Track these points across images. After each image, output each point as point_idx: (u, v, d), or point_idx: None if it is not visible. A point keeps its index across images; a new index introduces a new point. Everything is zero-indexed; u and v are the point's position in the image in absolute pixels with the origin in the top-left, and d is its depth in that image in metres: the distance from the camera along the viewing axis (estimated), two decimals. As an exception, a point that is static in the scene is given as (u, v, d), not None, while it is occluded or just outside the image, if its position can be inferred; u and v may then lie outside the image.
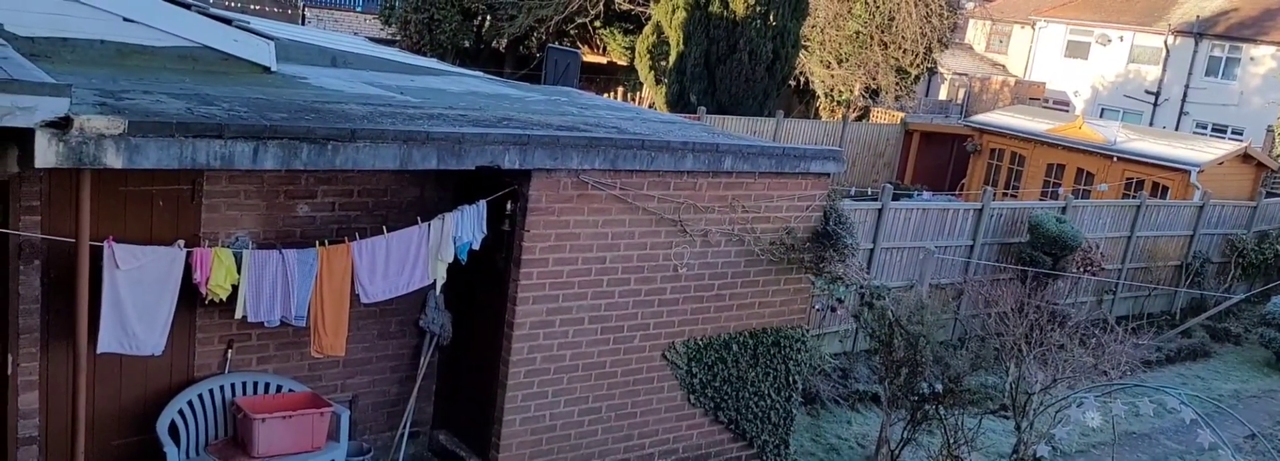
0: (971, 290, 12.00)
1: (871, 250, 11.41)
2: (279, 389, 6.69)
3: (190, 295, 5.99)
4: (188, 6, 7.56)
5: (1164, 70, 32.78)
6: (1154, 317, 15.01)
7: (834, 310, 8.74)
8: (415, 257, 6.53)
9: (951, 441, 7.33)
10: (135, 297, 5.66)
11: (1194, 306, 15.43)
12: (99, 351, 5.68)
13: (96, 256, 5.49)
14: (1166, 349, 13.75)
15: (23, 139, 4.90)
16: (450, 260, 6.65)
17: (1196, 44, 31.89)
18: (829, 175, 8.08)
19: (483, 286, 7.18)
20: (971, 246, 12.56)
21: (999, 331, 8.64)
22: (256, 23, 10.05)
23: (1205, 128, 31.23)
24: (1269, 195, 17.57)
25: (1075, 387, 7.32)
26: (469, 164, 6.19)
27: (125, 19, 7.23)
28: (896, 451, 7.80)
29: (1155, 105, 32.83)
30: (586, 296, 7.08)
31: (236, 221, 6.41)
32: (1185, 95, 32.16)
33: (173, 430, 6.27)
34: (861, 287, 7.81)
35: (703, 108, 19.15)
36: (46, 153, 4.81)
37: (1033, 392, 7.43)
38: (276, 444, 6.27)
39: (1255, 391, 13.13)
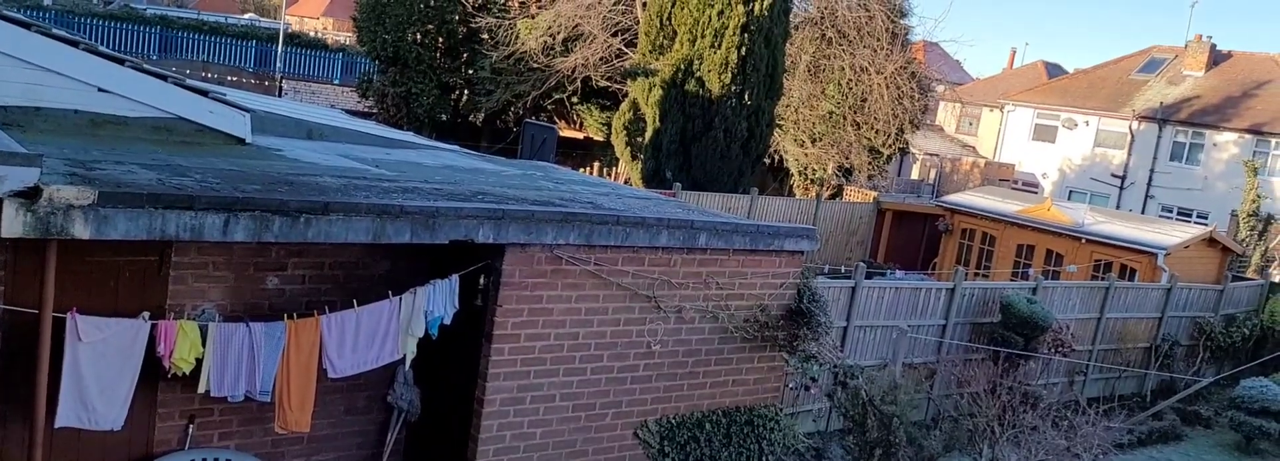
0: (944, 370, 11.97)
1: (845, 328, 11.40)
2: (240, 466, 6.51)
3: (153, 367, 5.85)
4: (164, 77, 7.58)
5: (1129, 154, 33.51)
6: (1125, 399, 15.01)
7: (808, 389, 8.68)
8: (385, 332, 6.44)
9: (926, 525, 7.21)
10: (97, 371, 5.52)
11: (1164, 388, 15.45)
12: (57, 425, 5.51)
13: (59, 328, 5.38)
14: (1138, 431, 13.71)
15: (-10, 207, 4.84)
16: (421, 335, 6.56)
17: (1160, 129, 32.71)
18: (803, 253, 8.11)
19: (453, 362, 7.08)
20: (944, 326, 12.57)
21: (972, 412, 8.59)
22: (233, 94, 10.12)
23: (1171, 211, 31.81)
24: (1235, 279, 17.79)
25: (1049, 471, 7.26)
26: (443, 238, 6.16)
27: (100, 89, 7.23)
28: (870, 535, 7.67)
29: (1121, 188, 33.47)
30: (558, 373, 7.00)
31: (204, 293, 6.32)
32: (1151, 179, 32.83)
33: (126, 508, 6.06)
34: (835, 367, 7.77)
35: (678, 184, 19.29)
36: (13, 222, 4.75)
37: (1007, 476, 7.36)
38: (234, 524, 6.07)
39: (1227, 475, 13.09)
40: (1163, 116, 32.64)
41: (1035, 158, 35.56)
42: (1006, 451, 7.58)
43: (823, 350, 7.75)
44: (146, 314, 5.76)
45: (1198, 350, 16.03)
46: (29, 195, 4.76)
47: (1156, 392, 15.41)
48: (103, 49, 7.45)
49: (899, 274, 19.72)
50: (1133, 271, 17.84)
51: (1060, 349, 13.22)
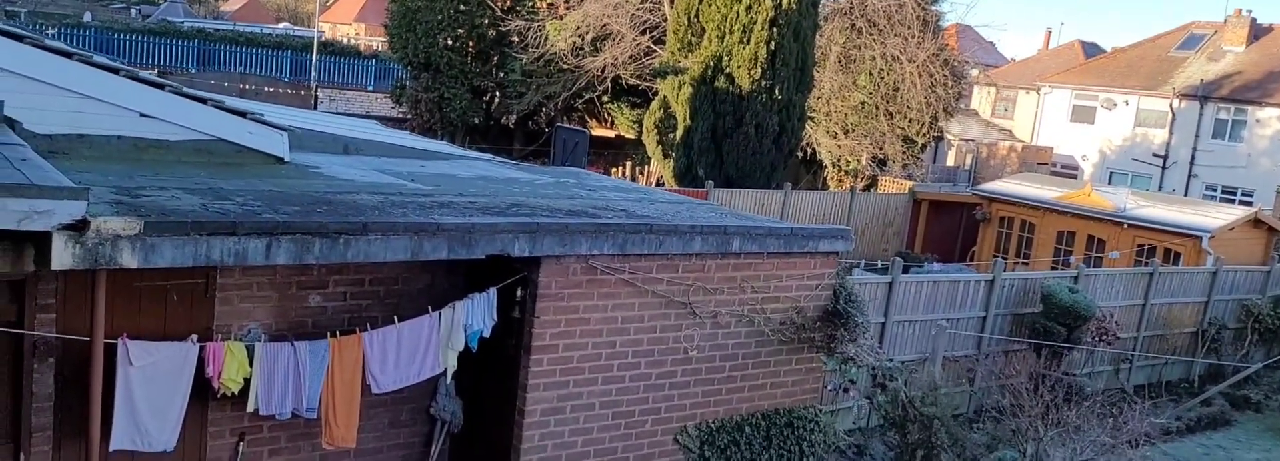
0: (985, 363, 11.90)
1: (883, 324, 11.37)
2: (290, 482, 6.66)
3: (202, 388, 6.01)
4: (204, 100, 7.74)
5: (1171, 133, 32.98)
6: (1172, 386, 14.83)
7: (846, 391, 8.69)
8: (426, 346, 6.56)
9: (971, 523, 7.22)
10: (148, 394, 5.69)
11: (1212, 374, 15.24)
12: (112, 448, 5.69)
13: (110, 353, 5.54)
14: (1186, 418, 13.55)
15: (39, 239, 4.99)
16: (461, 348, 6.68)
17: (1202, 107, 32.15)
18: (838, 253, 8.12)
19: (493, 373, 7.19)
20: (984, 318, 12.49)
21: (1015, 409, 8.55)
22: (270, 110, 10.29)
23: (1214, 190, 31.28)
24: (1282, 259, 17.48)
25: (1094, 466, 7.23)
26: (479, 253, 6.26)
27: (142, 114, 7.40)
28: (915, 534, 7.68)
29: (1163, 168, 32.95)
30: (597, 381, 7.08)
31: (249, 314, 6.47)
32: (1193, 158, 32.29)
33: (183, 525, 6.23)
34: (874, 368, 7.78)
35: (710, 182, 19.31)
36: (63, 255, 4.89)
37: (1052, 472, 7.33)
38: (287, 538, 6.22)
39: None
40: (1204, 93, 32.08)
41: (1074, 140, 35.09)
42: (1052, 448, 7.55)
43: (861, 351, 7.75)
44: (195, 336, 5.92)
45: (1246, 333, 15.79)
46: (77, 227, 4.89)
47: (1204, 378, 15.21)
48: (143, 74, 7.62)
49: (936, 265, 19.60)
50: (1177, 255, 17.61)
51: (1104, 337, 13.08)
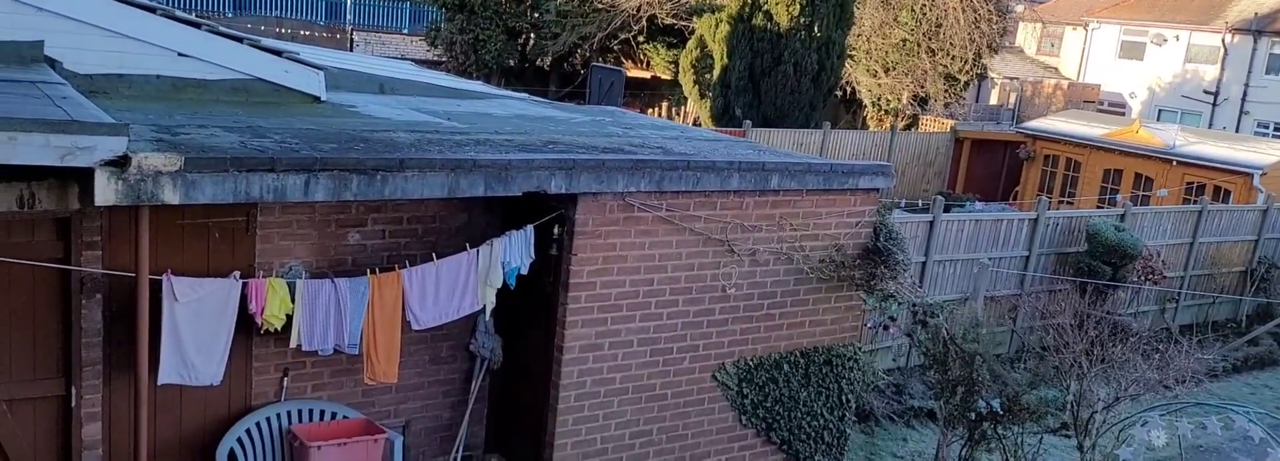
0: (1028, 302, 11.79)
1: (923, 263, 11.28)
2: (334, 416, 6.77)
3: (246, 325, 6.09)
4: (240, 40, 7.71)
5: (1222, 69, 32.07)
6: (1219, 326, 14.64)
7: (886, 328, 8.63)
8: (465, 283, 6.58)
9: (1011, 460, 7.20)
10: (194, 329, 5.77)
11: (1260, 313, 15.02)
12: (160, 382, 5.80)
13: (155, 289, 5.61)
14: (1233, 358, 13.41)
15: (83, 177, 5.03)
16: (499, 285, 6.69)
17: (1255, 41, 31.16)
18: (878, 190, 8.00)
19: (532, 310, 7.22)
20: (1027, 257, 12.35)
21: (1058, 345, 8.48)
22: (306, 51, 10.25)
23: (1267, 127, 30.49)
24: (1336, 197, 17.05)
25: (1139, 404, 7.16)
26: (516, 190, 6.23)
27: (180, 54, 7.38)
28: (955, 471, 7.68)
29: (1214, 105, 32.12)
30: (635, 319, 7.08)
31: (290, 251, 6.51)
32: (1245, 94, 31.42)
33: (232, 458, 6.37)
34: (914, 305, 7.71)
35: (748, 121, 19.10)
36: (106, 190, 4.92)
37: (1095, 410, 7.27)
38: (332, 470, 6.35)
39: (1328, 400, 12.75)
40: (1258, 28, 31.06)
41: (1122, 77, 34.24)
42: (1095, 386, 7.48)
43: (901, 288, 7.68)
44: (237, 273, 5.98)
45: (1295, 273, 15.50)
46: (119, 164, 4.91)
47: (1252, 318, 14.99)
48: (180, 14, 7.59)
49: (979, 205, 19.36)
50: (1227, 193, 17.25)
51: (1150, 276, 12.90)
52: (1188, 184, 17.84)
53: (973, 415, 7.40)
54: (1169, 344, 8.93)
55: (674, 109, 25.04)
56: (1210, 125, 30.77)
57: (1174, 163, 18.04)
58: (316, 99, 7.99)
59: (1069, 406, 7.09)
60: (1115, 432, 6.65)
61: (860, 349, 8.41)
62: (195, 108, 7.03)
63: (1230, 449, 10.77)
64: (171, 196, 5.08)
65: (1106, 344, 7.80)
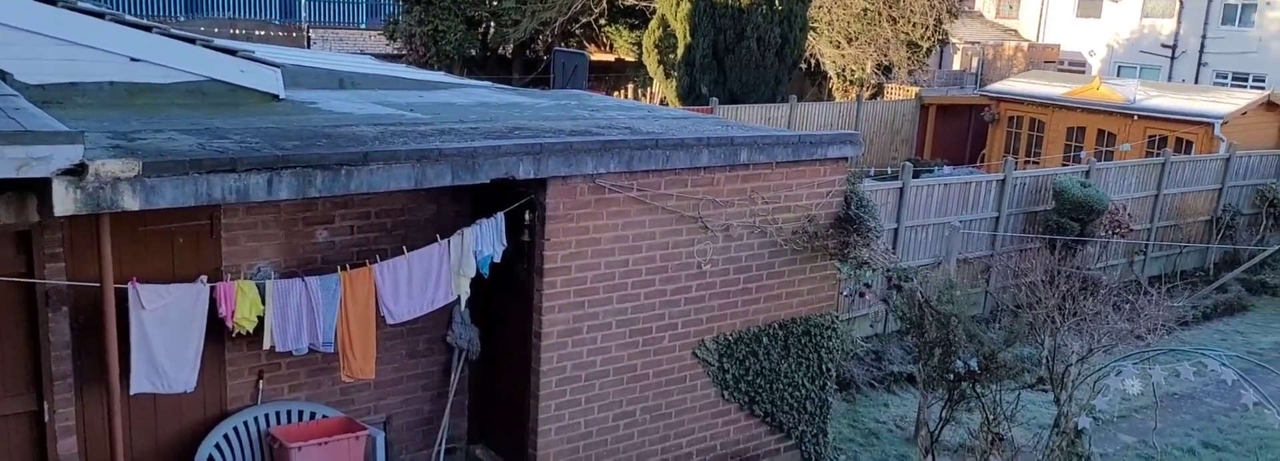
0: (1000, 262, 11.91)
1: (896, 230, 11.35)
2: (313, 415, 6.74)
3: (217, 329, 6.04)
4: (192, 40, 7.61)
5: (1179, 22, 32.35)
6: (1187, 275, 14.85)
7: (862, 295, 8.69)
8: (438, 275, 6.56)
9: (991, 418, 7.28)
10: (163, 336, 5.72)
11: (1227, 261, 15.24)
12: (132, 392, 5.75)
13: (122, 298, 5.56)
14: (1202, 306, 13.61)
15: (40, 187, 4.96)
16: (473, 274, 6.67)
17: (1210, -7, 31.44)
18: (847, 159, 8.03)
19: (507, 298, 7.21)
20: (997, 218, 12.46)
21: (1031, 303, 8.57)
22: (262, 49, 10.13)
23: (1225, 77, 30.81)
24: (1296, 143, 17.29)
25: (1112, 355, 7.25)
26: (484, 177, 6.20)
27: (132, 59, 7.27)
28: (936, 432, 7.76)
29: (1172, 58, 32.42)
30: (612, 301, 7.09)
31: (257, 252, 6.46)
32: (1202, 46, 31.72)
33: (212, 463, 6.34)
34: (888, 270, 7.76)
35: (715, 98, 19.09)
36: (64, 200, 4.85)
37: (1070, 363, 7.36)
38: (316, 470, 6.33)
39: (1298, 343, 12.98)
40: (1212, -21, 31.32)
41: (1081, 36, 34.45)
42: (1069, 340, 7.58)
43: (874, 255, 7.72)
44: (204, 277, 5.92)
45: (1261, 218, 15.73)
46: (76, 172, 4.84)
47: (1220, 265, 15.21)
48: (130, 18, 7.49)
49: (947, 169, 19.48)
50: (1189, 144, 17.44)
51: (1118, 230, 13.05)
52: (1150, 137, 18.02)
53: (951, 376, 7.47)
54: (1139, 295, 9.05)
55: (639, 90, 24.97)
56: (1169, 78, 31.06)
57: (1135, 117, 18.20)
58: (275, 97, 7.91)
59: (1044, 361, 7.18)
60: (1090, 384, 6.74)
61: (837, 318, 8.46)
62: (151, 112, 6.94)
63: (1203, 394, 10.96)
64: (131, 202, 5.02)
65: (1078, 298, 7.89)
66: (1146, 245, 14.20)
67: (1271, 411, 7.00)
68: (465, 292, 6.72)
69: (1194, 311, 13.27)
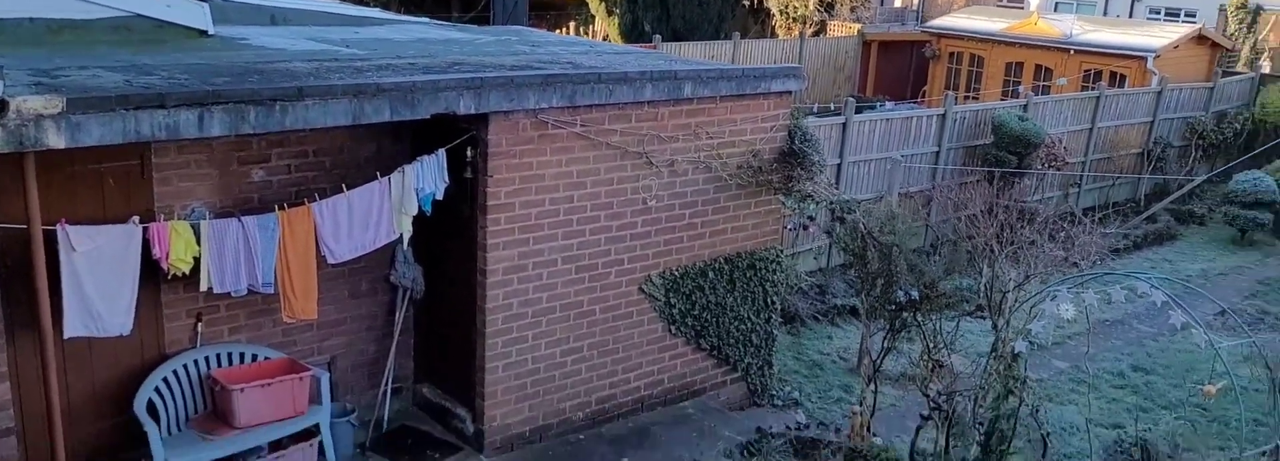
0: (940, 195, 12.08)
1: (839, 165, 11.43)
2: (255, 357, 6.65)
3: (152, 271, 5.90)
4: (114, -26, 7.30)
5: (1114, -43, 32.52)
6: (1120, 206, 15.22)
7: (806, 228, 8.77)
8: (378, 213, 6.46)
9: (931, 346, 7.44)
10: (96, 279, 5.57)
11: (1158, 191, 15.64)
12: (66, 336, 5.61)
13: (51, 240, 5.39)
14: (1133, 235, 13.98)
15: (-42, 128, 4.76)
16: (415, 212, 6.59)
17: (1145, -74, 31.60)
18: (791, 93, 8.02)
19: (451, 236, 7.14)
20: (937, 152, 12.60)
21: (970, 234, 8.73)
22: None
23: (1158, 12, 31.18)
24: (1225, 74, 17.65)
25: (1047, 282, 7.43)
26: (423, 113, 6.08)
27: (52, -7, 6.98)
28: (878, 361, 7.92)
29: (1108, -7, 32.67)
30: (557, 237, 7.06)
31: (191, 192, 6.30)
32: (1137, -20, 31.99)
33: (151, 409, 6.19)
34: (831, 203, 7.82)
35: (658, 36, 18.88)
36: (-16, 139, 4.68)
37: (1007, 291, 7.54)
38: (258, 413, 6.26)
39: (1222, 269, 13.42)
40: (1147, -86, 31.47)
41: (1019, -29, 34.52)
42: (1006, 268, 7.74)
43: (818, 189, 7.77)
44: (136, 218, 5.76)
45: (1190, 150, 16.12)
46: (-4, 110, 4.66)
47: (1151, 196, 15.61)
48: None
49: (889, 105, 19.60)
50: (1123, 78, 17.71)
51: (1054, 163, 13.29)
52: (1086, 71, 18.25)
53: (893, 306, 7.60)
54: (1073, 225, 9.26)
55: (582, 28, 24.59)
56: (1105, 13, 31.36)
57: (1071, 52, 18.39)
58: (204, 33, 7.67)
59: (983, 290, 7.34)
60: (1027, 310, 6.91)
61: (782, 252, 8.54)
62: (75, 50, 6.68)
63: (1132, 319, 11.33)
64: (56, 140, 4.85)
65: (1015, 228, 8.05)
66: (1081, 177, 14.49)
67: (1198, 332, 7.26)
68: (408, 231, 6.64)
69: (1125, 241, 13.64)
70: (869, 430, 7.59)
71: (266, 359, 6.66)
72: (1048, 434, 6.67)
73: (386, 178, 6.45)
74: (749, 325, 8.27)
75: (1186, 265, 13.46)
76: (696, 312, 7.95)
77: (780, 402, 8.59)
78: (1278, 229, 14.32)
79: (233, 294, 6.17)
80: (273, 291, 6.25)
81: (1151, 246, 14.05)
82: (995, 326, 7.22)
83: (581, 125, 6.92)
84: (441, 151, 6.64)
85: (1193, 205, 15.54)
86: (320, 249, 6.33)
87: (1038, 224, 8.81)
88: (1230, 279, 13.09)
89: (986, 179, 12.14)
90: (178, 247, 5.76)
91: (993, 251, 7.95)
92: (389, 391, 7.37)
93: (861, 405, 7.66)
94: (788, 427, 7.94)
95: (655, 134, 7.32)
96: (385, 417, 7.37)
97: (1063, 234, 8.42)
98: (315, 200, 6.31)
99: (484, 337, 6.93)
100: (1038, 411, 6.54)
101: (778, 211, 8.28)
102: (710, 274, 7.95)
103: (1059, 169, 13.42)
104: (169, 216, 6.10)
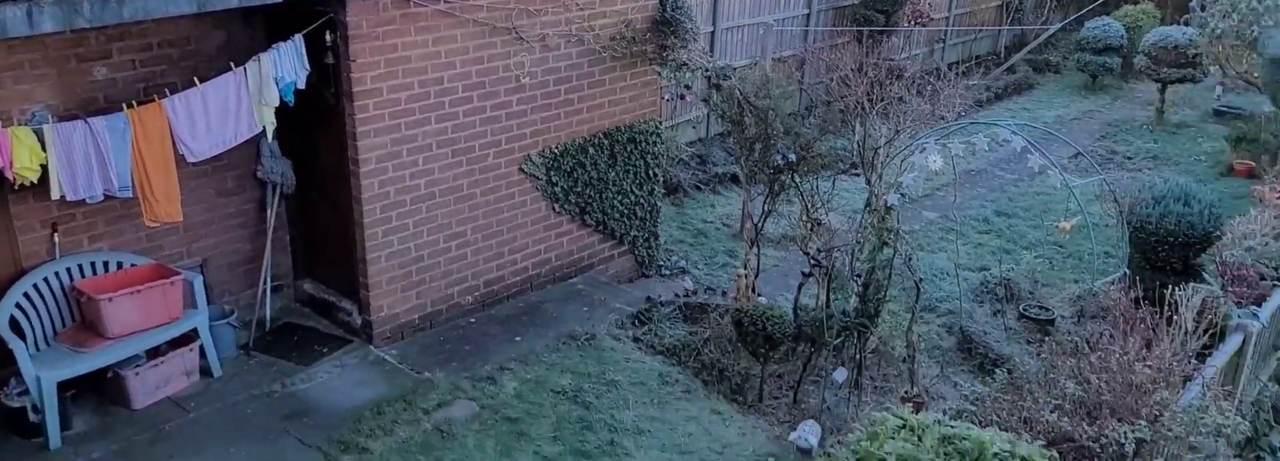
0: (812, 57, 12.15)
1: (712, 32, 11.32)
2: (120, 265, 6.35)
3: (-1, 182, 5.53)
4: None
5: None
6: (981, 59, 15.61)
7: (683, 98, 8.74)
8: (237, 106, 6.14)
9: (809, 206, 7.63)
10: (-63, 194, 5.19)
11: (1017, 43, 16.06)
12: (-87, 256, 5.26)
13: (-124, 156, 4.96)
14: (995, 87, 14.43)
15: None
16: (277, 103, 6.27)
17: None
18: (660, -41, 7.81)
19: (318, 126, 6.86)
20: (808, 15, 12.59)
21: (842, 94, 8.85)
22: None
23: None
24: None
25: (916, 136, 7.64)
26: (271, -4, 5.71)
27: None
28: (759, 224, 8.10)
29: None
30: (430, 121, 6.86)
31: (29, 95, 5.84)
32: None
33: (15, 326, 5.89)
34: (707, 71, 7.78)
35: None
36: None
37: (878, 147, 7.73)
38: (130, 321, 6.05)
39: (1076, 114, 14.06)
40: None
41: None
42: (877, 125, 7.92)
43: (693, 57, 7.69)
44: (-30, 127, 5.34)
45: (1045, 1, 16.49)
46: None
47: (1010, 48, 16.03)
48: None
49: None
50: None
51: (919, 20, 13.46)
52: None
53: (771, 169, 7.73)
54: (939, 80, 9.48)
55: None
56: None
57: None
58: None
59: (856, 147, 7.51)
60: (897, 164, 7.12)
61: (661, 124, 8.51)
62: None
63: (994, 168, 11.85)
64: None
65: (884, 86, 8.19)
66: (945, 33, 14.73)
67: (1054, 173, 7.64)
68: (271, 123, 6.34)
69: (987, 92, 14.07)
70: (754, 291, 7.82)
71: (133, 266, 6.38)
72: (920, 280, 6.99)
73: (241, 68, 6.10)
74: (632, 199, 8.31)
75: (1043, 112, 14.02)
76: (579, 189, 7.93)
77: (668, 272, 8.75)
78: (1125, 73, 14.96)
79: (88, 200, 5.84)
80: (131, 195, 5.94)
81: (1012, 96, 14.55)
82: (868, 182, 7.43)
83: (445, 2, 6.62)
84: (298, 37, 6.29)
85: (1048, 54, 16.05)
86: (178, 147, 6.00)
87: (906, 80, 8.98)
88: (1083, 122, 13.73)
89: (856, 39, 12.23)
90: (21, 155, 5.38)
91: (864, 110, 8.09)
92: (268, 290, 7.19)
93: (746, 268, 7.86)
94: (676, 295, 8.12)
95: (523, 7, 7.08)
96: (268, 317, 7.22)
97: (929, 89, 8.60)
98: (167, 96, 5.94)
99: (362, 229, 6.78)
100: (910, 260, 6.82)
101: (654, 83, 8.21)
102: (590, 150, 7.90)
103: (924, 26, 13.61)
104: (8, 122, 5.66)
